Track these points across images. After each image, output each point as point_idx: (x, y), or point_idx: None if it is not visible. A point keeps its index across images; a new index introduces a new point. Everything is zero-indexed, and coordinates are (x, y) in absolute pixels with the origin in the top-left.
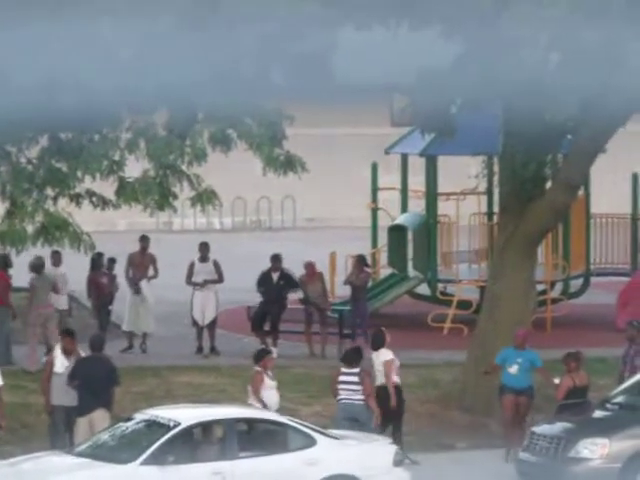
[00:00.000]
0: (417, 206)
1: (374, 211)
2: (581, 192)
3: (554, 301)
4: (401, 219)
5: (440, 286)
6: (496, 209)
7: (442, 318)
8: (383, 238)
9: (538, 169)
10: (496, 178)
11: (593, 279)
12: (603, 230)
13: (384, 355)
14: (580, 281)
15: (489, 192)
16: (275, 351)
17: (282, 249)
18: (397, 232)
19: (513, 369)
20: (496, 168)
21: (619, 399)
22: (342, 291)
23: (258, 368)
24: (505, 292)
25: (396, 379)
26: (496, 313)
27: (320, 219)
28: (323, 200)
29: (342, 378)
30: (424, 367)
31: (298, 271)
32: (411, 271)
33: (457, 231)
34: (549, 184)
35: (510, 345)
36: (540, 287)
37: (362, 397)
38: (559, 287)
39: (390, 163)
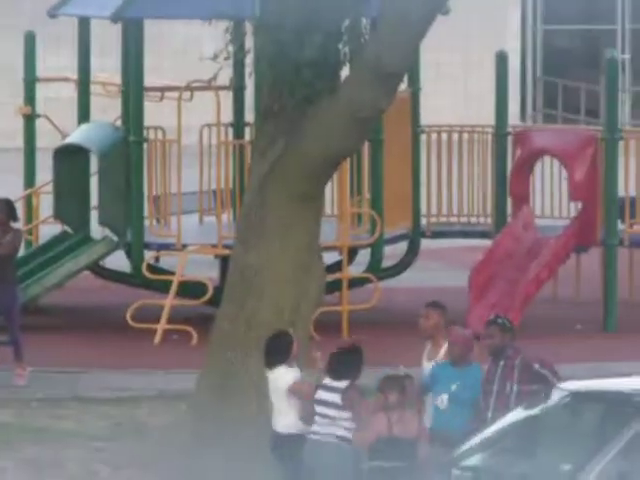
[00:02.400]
0: (107, 111)
1: (29, 120)
2: (404, 88)
3: (355, 283)
4: (78, 135)
5: (149, 255)
6: (249, 117)
7: (152, 313)
8: (45, 170)
9: (325, 44)
10: (250, 62)
11: (426, 243)
12: (443, 155)
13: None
14: (402, 246)
15: (237, 87)
16: None
17: None
18: (71, 159)
19: (443, 401)
20: (250, 43)
21: (473, 460)
22: None
23: None
24: (266, 267)
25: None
26: (250, 305)
27: None
28: None
29: (320, 395)
30: (116, 402)
31: None
32: (97, 229)
33: (179, 156)
34: (345, 73)
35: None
36: (330, 258)
37: (345, 433)
38: (364, 258)
39: (58, 34)
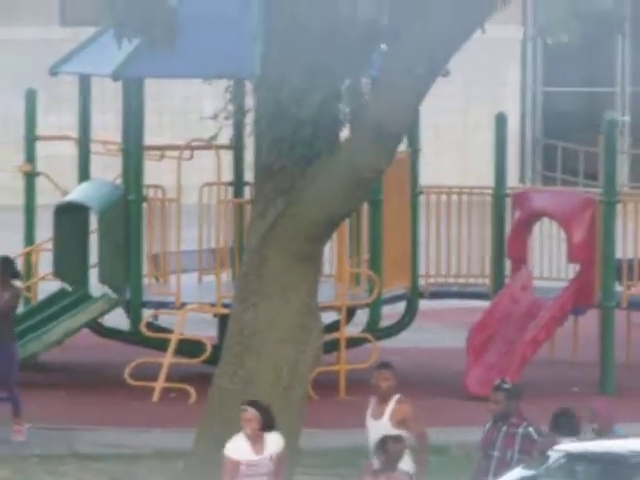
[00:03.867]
0: (108, 170)
1: (29, 177)
2: (403, 149)
3: (353, 343)
4: (78, 193)
5: (147, 314)
6: (249, 177)
7: (150, 371)
8: (45, 227)
9: (324, 104)
10: (249, 121)
11: (424, 303)
12: (442, 216)
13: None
14: (401, 306)
15: (237, 146)
16: None
17: None
18: (71, 216)
19: None
20: (250, 102)
21: None
22: None
23: None
24: (264, 327)
25: None
26: (248, 364)
27: None
28: None
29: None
30: (114, 459)
31: None
32: (96, 287)
33: (179, 215)
34: (345, 133)
35: None
36: (328, 317)
37: None
38: (362, 318)
39: (58, 91)
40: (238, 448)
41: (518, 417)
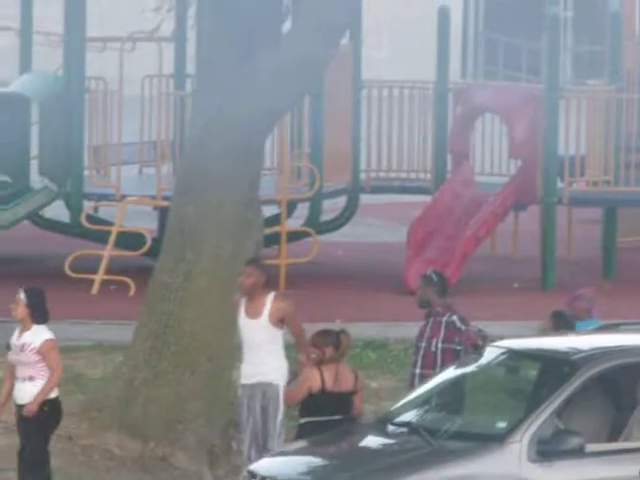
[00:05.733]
0: (48, 60)
1: None
2: (345, 43)
3: (294, 237)
4: (19, 84)
5: (88, 205)
6: (191, 69)
7: (91, 264)
8: None
9: None
10: (192, 14)
11: (365, 198)
12: (384, 111)
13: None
14: (341, 200)
15: (179, 39)
16: None
17: None
18: (11, 107)
19: None
20: None
21: (408, 416)
22: None
23: None
24: (205, 220)
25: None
26: (189, 257)
27: None
28: None
29: None
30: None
31: None
32: (36, 178)
33: (120, 106)
34: (287, 27)
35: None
36: (269, 211)
37: None
38: (303, 212)
39: None
40: None
41: (443, 307)
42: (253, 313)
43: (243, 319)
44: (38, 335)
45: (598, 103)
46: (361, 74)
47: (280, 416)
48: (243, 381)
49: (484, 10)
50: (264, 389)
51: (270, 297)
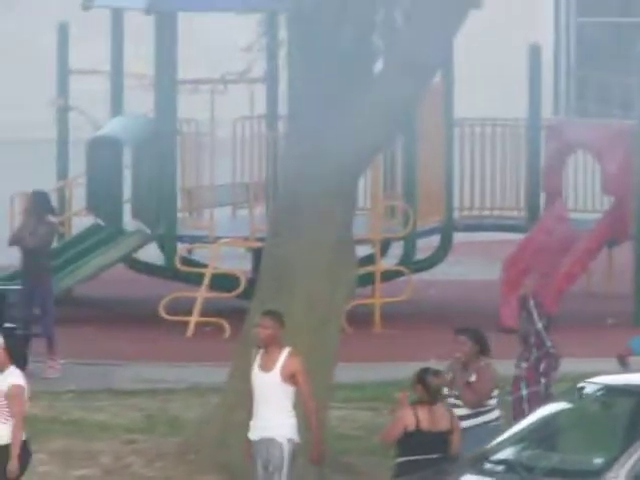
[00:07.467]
0: (140, 104)
1: (62, 112)
2: (437, 81)
3: (388, 276)
4: (111, 127)
5: (181, 248)
6: (283, 110)
7: (186, 307)
8: (78, 161)
9: (358, 37)
10: (283, 54)
11: (458, 236)
12: (476, 148)
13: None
14: (435, 239)
15: (271, 79)
16: None
17: None
18: (104, 150)
19: None
20: (283, 35)
21: (505, 453)
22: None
23: None
24: (299, 261)
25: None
26: (282, 299)
27: None
28: None
29: None
30: (149, 394)
31: None
32: (129, 222)
33: (212, 147)
34: (379, 67)
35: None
36: (363, 251)
37: None
38: (397, 251)
39: (91, 25)
40: None
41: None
42: (266, 366)
43: (256, 372)
44: (7, 379)
45: None
46: (453, 112)
47: (283, 477)
48: (250, 436)
49: (575, 46)
50: (267, 445)
51: (285, 352)
